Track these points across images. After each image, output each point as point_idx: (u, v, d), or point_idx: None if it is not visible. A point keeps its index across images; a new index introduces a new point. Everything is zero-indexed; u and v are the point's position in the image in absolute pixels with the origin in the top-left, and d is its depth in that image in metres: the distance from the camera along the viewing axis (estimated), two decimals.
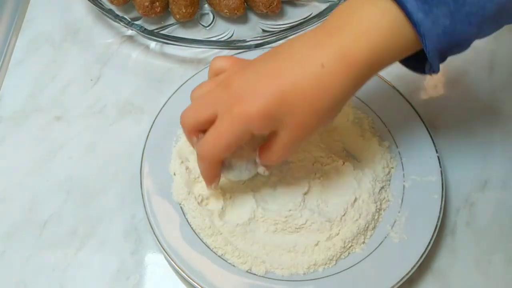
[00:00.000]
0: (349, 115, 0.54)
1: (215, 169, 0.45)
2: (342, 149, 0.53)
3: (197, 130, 0.43)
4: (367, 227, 0.48)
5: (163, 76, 0.61)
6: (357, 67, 0.39)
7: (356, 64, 0.38)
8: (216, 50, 0.61)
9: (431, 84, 0.60)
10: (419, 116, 0.53)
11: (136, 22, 0.61)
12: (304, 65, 0.39)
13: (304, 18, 0.62)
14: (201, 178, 0.50)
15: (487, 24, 0.39)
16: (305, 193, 0.49)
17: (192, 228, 0.48)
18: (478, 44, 0.62)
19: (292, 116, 0.39)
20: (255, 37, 0.59)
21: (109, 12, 0.60)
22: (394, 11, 0.37)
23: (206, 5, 0.65)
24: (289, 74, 0.39)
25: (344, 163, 0.51)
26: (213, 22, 0.64)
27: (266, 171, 0.45)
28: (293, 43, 0.41)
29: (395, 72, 0.61)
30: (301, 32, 0.62)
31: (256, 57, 0.42)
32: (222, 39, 0.62)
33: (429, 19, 0.37)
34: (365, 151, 0.52)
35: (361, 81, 0.40)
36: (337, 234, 0.47)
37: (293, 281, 0.45)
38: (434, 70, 0.41)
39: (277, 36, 0.59)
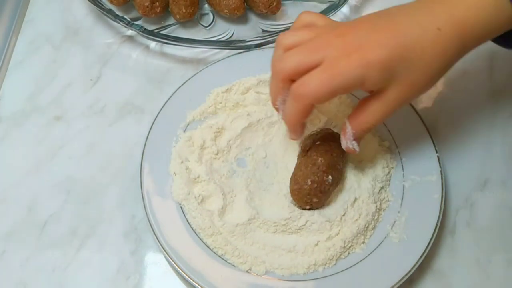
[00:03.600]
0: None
1: (306, 113, 0.42)
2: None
3: (291, 77, 0.41)
4: (367, 227, 0.48)
5: (163, 76, 0.61)
6: (467, 37, 0.41)
7: (466, 33, 0.40)
8: (216, 50, 0.61)
9: None
10: (419, 116, 0.53)
11: (136, 22, 0.61)
12: (422, 26, 0.40)
13: None
14: (201, 178, 0.50)
15: None
16: None
17: (192, 228, 0.48)
18: None
19: (407, 73, 0.40)
20: (255, 37, 0.59)
21: (109, 12, 0.60)
22: None
23: (206, 5, 0.64)
24: (409, 32, 0.40)
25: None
26: (213, 22, 0.64)
27: (357, 145, 0.44)
28: (401, 8, 0.42)
29: None
30: None
31: (357, 19, 0.43)
32: (222, 39, 0.61)
33: None
34: (365, 151, 0.52)
35: (464, 52, 0.42)
36: (337, 234, 0.47)
37: (293, 281, 0.45)
38: None
39: (277, 36, 0.59)
